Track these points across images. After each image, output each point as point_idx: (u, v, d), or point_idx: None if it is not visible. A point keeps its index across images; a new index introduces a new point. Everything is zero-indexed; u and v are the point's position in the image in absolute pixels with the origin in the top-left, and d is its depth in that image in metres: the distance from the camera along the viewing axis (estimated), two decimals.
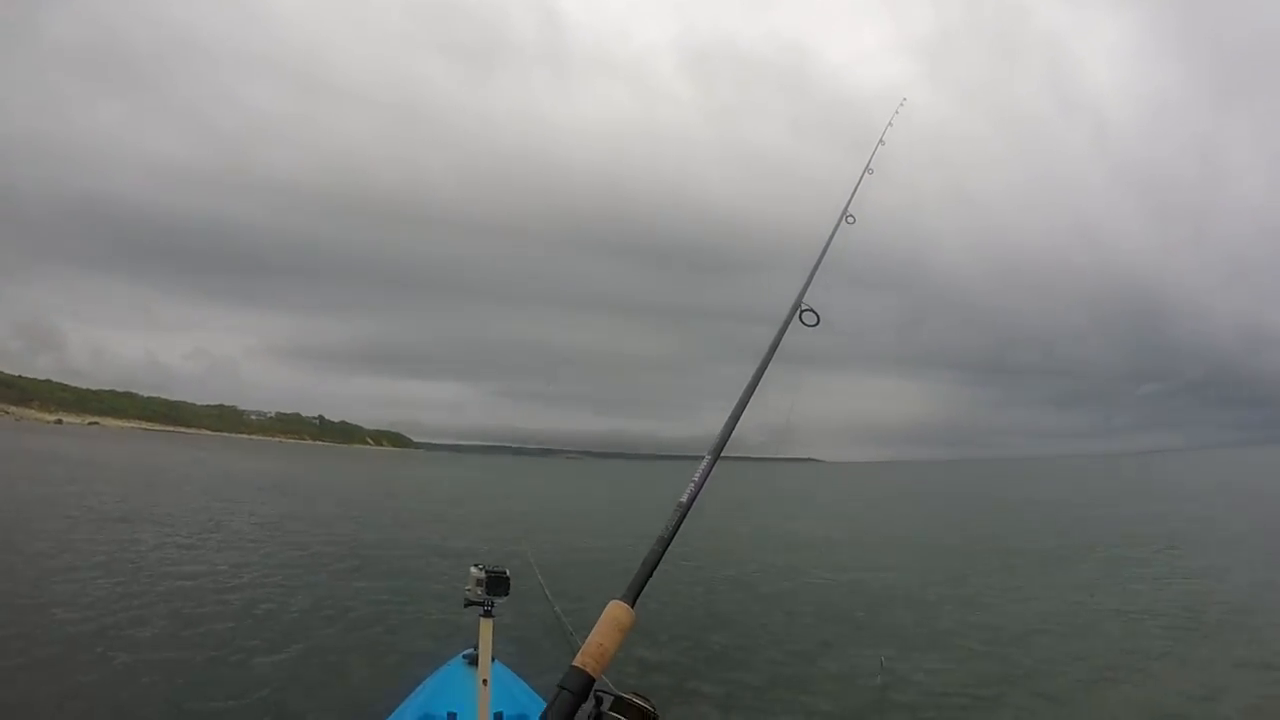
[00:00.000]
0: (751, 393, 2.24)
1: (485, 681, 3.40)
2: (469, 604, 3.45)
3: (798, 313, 2.51)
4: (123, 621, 9.51)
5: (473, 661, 4.30)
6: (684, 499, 1.84)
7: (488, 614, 3.44)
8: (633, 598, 1.64)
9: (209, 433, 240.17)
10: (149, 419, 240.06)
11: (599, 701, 1.51)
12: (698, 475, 1.91)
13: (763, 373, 2.34)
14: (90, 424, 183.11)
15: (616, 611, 1.60)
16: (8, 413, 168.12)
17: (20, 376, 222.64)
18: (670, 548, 1.81)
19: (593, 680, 1.49)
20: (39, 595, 10.64)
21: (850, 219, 3.10)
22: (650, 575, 1.70)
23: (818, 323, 2.48)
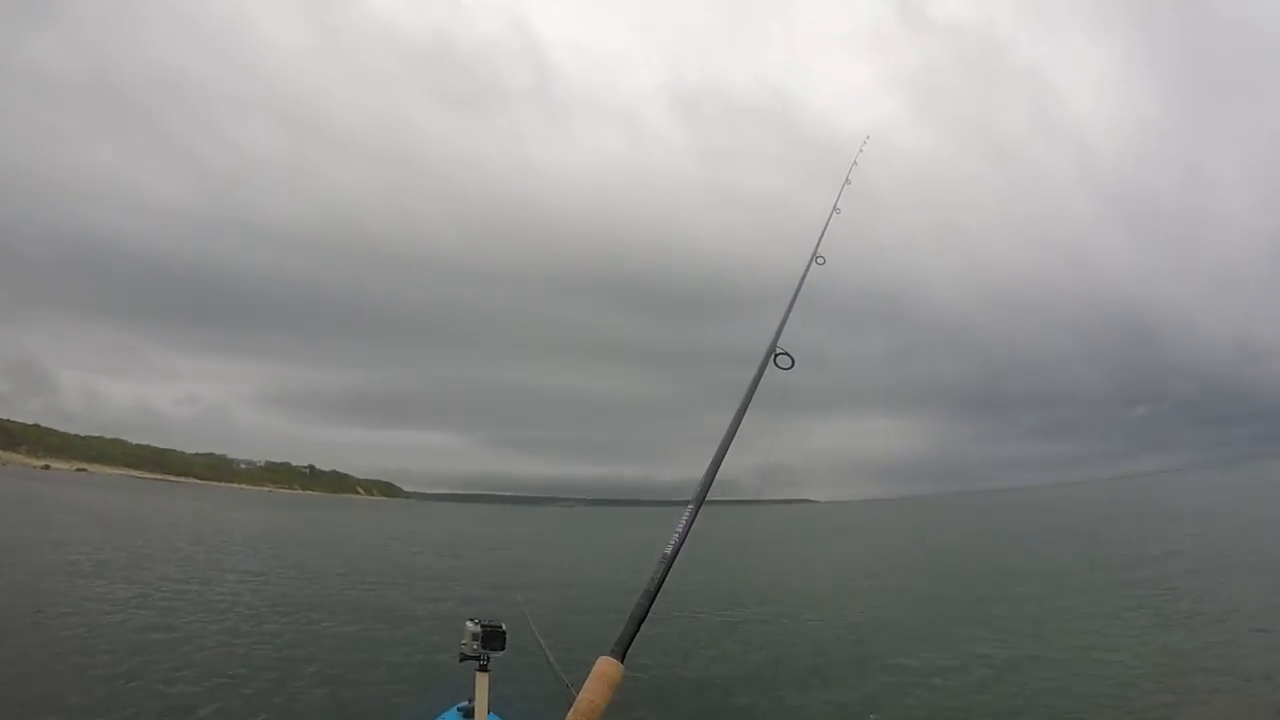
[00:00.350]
0: (731, 438, 2.40)
1: None
2: (464, 658, 3.48)
3: (773, 356, 2.59)
4: (74, 679, 9.38)
5: (468, 715, 4.34)
6: (668, 550, 1.89)
7: (483, 668, 3.51)
8: (621, 652, 1.68)
9: (198, 481, 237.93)
10: (137, 466, 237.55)
11: None
12: (681, 525, 1.95)
13: (741, 417, 2.51)
14: (78, 470, 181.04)
15: (606, 668, 1.64)
16: None
17: (9, 420, 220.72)
18: (657, 601, 1.86)
19: None
20: None
21: (820, 260, 3.21)
22: (638, 629, 1.74)
23: (793, 365, 2.60)
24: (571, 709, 1.56)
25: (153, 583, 16.66)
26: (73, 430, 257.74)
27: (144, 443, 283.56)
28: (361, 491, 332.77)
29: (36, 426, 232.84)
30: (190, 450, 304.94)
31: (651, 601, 1.80)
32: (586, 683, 1.63)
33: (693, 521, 1.99)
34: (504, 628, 3.51)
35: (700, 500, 2.07)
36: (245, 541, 31.85)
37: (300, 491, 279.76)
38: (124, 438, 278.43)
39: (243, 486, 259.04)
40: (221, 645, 11.16)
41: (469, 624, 3.51)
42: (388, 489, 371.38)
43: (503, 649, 3.49)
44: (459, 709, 4.75)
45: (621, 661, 1.67)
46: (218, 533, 34.43)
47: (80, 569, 18.32)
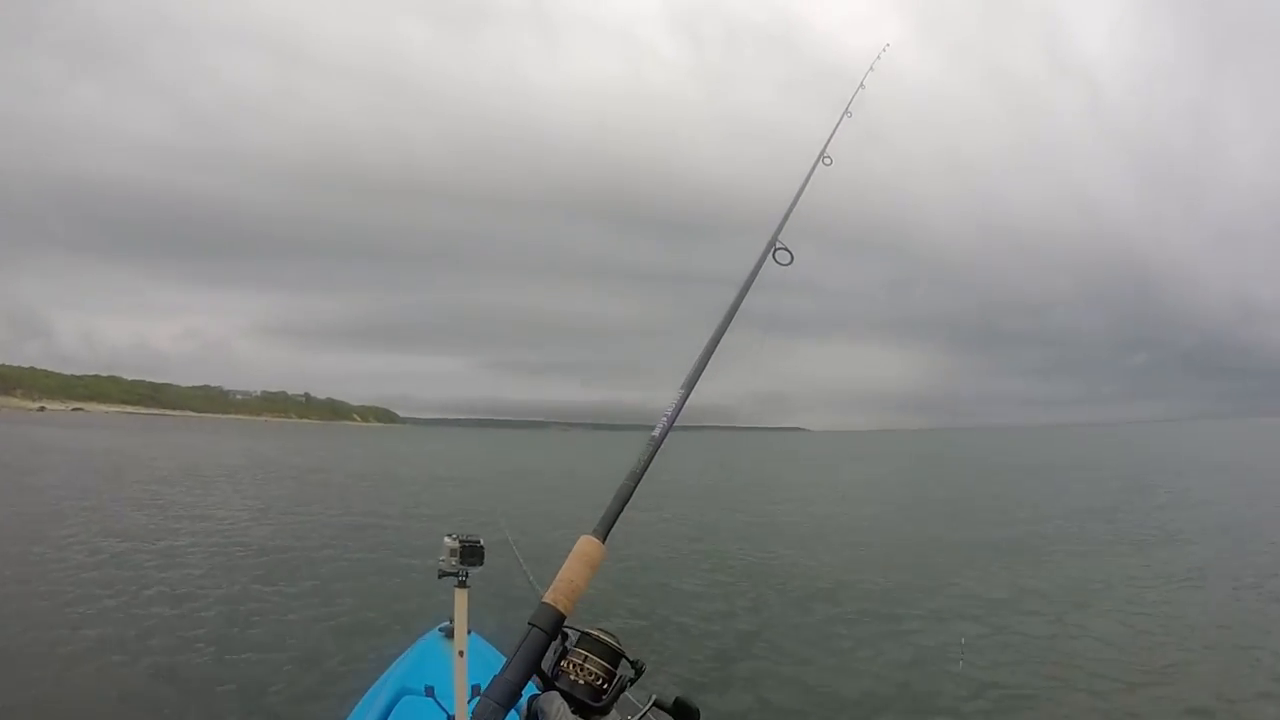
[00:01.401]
0: (727, 324, 2.17)
1: (461, 653, 3.32)
2: (443, 575, 3.30)
3: (772, 250, 2.41)
4: (63, 615, 9.30)
5: (449, 634, 4.25)
6: (655, 433, 1.77)
7: (462, 584, 3.24)
8: (604, 532, 1.56)
9: (194, 414, 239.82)
10: (134, 402, 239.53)
11: (564, 637, 1.47)
12: (670, 409, 1.84)
13: (737, 307, 2.26)
14: (75, 410, 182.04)
15: (586, 546, 1.52)
16: None
17: (4, 365, 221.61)
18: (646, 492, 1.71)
19: (563, 617, 1.44)
20: None
21: (827, 160, 3.00)
22: (621, 510, 1.62)
23: (791, 261, 2.39)
24: (550, 587, 1.46)
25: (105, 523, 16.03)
26: (70, 371, 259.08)
27: (141, 379, 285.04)
28: (358, 419, 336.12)
29: (32, 369, 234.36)
30: (186, 384, 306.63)
31: (636, 483, 1.68)
32: (566, 561, 1.50)
33: (681, 406, 1.89)
34: (481, 542, 3.33)
35: (690, 385, 1.94)
36: (216, 474, 30.98)
37: (296, 420, 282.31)
38: (121, 375, 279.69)
39: (238, 417, 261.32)
40: (186, 586, 10.89)
41: (446, 539, 3.33)
42: (384, 415, 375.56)
43: (481, 563, 3.30)
44: (440, 629, 4.71)
45: (603, 542, 1.55)
46: (183, 468, 33.14)
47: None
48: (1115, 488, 28.79)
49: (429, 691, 3.67)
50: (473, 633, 3.63)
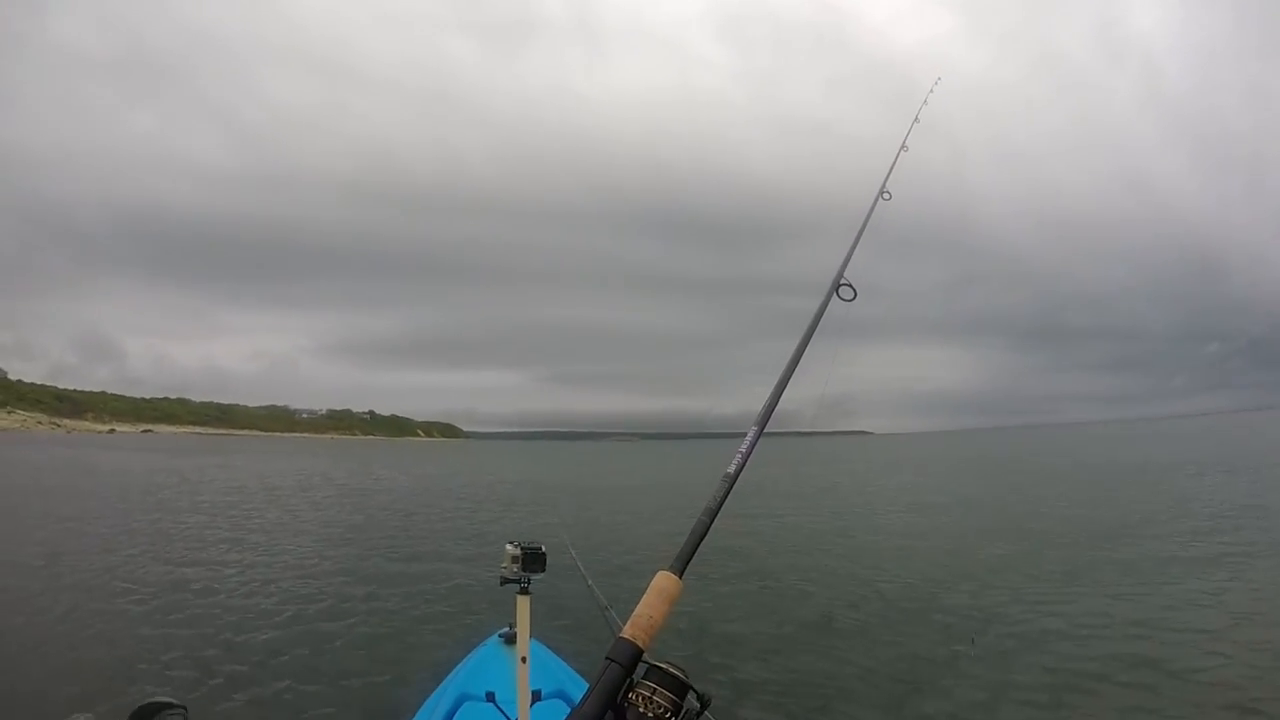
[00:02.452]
0: (794, 367, 2.24)
1: (524, 659, 3.38)
2: (505, 581, 3.42)
3: (836, 288, 2.55)
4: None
5: (510, 640, 4.31)
6: (730, 470, 1.82)
7: (524, 591, 3.38)
8: (681, 568, 1.62)
9: (261, 433, 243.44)
10: (202, 423, 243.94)
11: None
12: (744, 447, 1.90)
13: (804, 348, 2.35)
14: (144, 431, 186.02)
15: (664, 582, 1.58)
16: (59, 426, 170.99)
17: (75, 390, 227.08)
18: (719, 521, 1.83)
19: (640, 652, 1.47)
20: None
21: (887, 195, 3.10)
22: (698, 545, 1.68)
23: (854, 297, 2.50)
24: (628, 623, 1.51)
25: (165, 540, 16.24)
26: (141, 394, 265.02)
27: (209, 400, 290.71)
28: (422, 433, 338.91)
29: (102, 393, 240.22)
30: (253, 404, 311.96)
31: (713, 519, 1.74)
32: (644, 596, 1.56)
33: (755, 442, 1.94)
34: (543, 549, 3.41)
35: (763, 422, 2.01)
36: (293, 488, 31.82)
37: (361, 436, 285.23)
38: (189, 397, 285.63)
39: (305, 435, 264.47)
40: (252, 595, 11.25)
41: (509, 546, 3.42)
42: (448, 430, 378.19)
43: (543, 571, 3.39)
44: (501, 635, 4.76)
45: (680, 577, 1.61)
46: (255, 485, 33.36)
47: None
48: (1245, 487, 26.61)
49: (490, 697, 3.76)
50: (534, 639, 3.61)
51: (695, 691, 1.45)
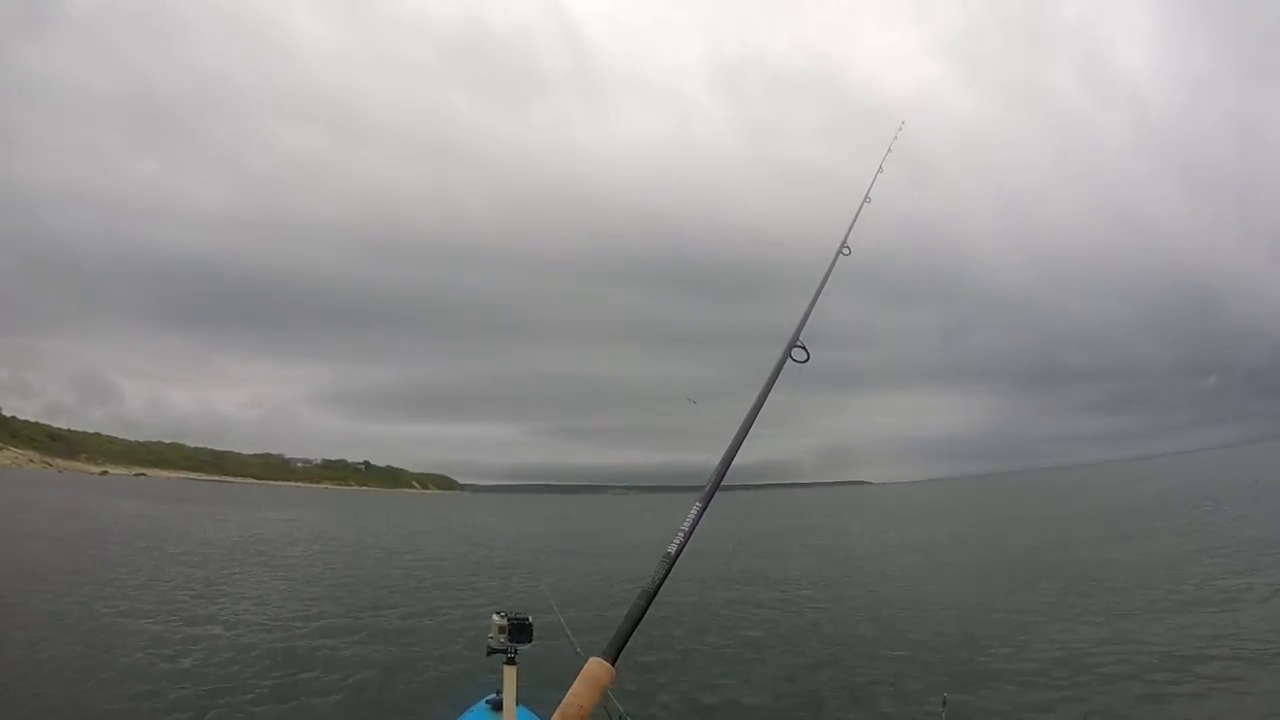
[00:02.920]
0: (745, 434, 2.20)
1: None
2: (491, 652, 3.42)
3: (789, 351, 2.49)
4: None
5: (496, 707, 4.27)
6: (671, 550, 1.78)
7: (511, 661, 3.38)
8: (614, 654, 1.59)
9: (255, 481, 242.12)
10: (196, 469, 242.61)
11: None
12: (686, 524, 1.84)
13: (756, 413, 2.32)
14: (137, 475, 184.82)
15: (595, 669, 1.56)
16: (51, 465, 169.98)
17: (70, 430, 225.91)
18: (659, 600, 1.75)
19: None
20: None
21: (846, 250, 3.06)
22: (633, 631, 1.65)
23: (807, 359, 2.46)
24: (558, 711, 1.51)
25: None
26: (136, 437, 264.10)
27: (203, 446, 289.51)
28: (417, 485, 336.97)
29: (98, 435, 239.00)
30: (248, 451, 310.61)
31: (649, 603, 1.72)
32: (574, 684, 1.56)
33: (699, 520, 1.88)
34: (530, 620, 3.46)
35: (709, 497, 1.94)
36: (277, 541, 31.91)
37: (356, 488, 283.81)
38: (184, 442, 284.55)
39: (299, 485, 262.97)
40: (227, 652, 11.23)
41: (495, 617, 3.48)
42: (443, 482, 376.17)
43: (529, 641, 3.45)
44: (487, 702, 4.75)
45: (613, 664, 1.59)
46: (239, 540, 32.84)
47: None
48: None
49: None
50: (521, 705, 3.57)
51: None
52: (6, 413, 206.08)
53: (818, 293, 3.06)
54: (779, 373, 2.41)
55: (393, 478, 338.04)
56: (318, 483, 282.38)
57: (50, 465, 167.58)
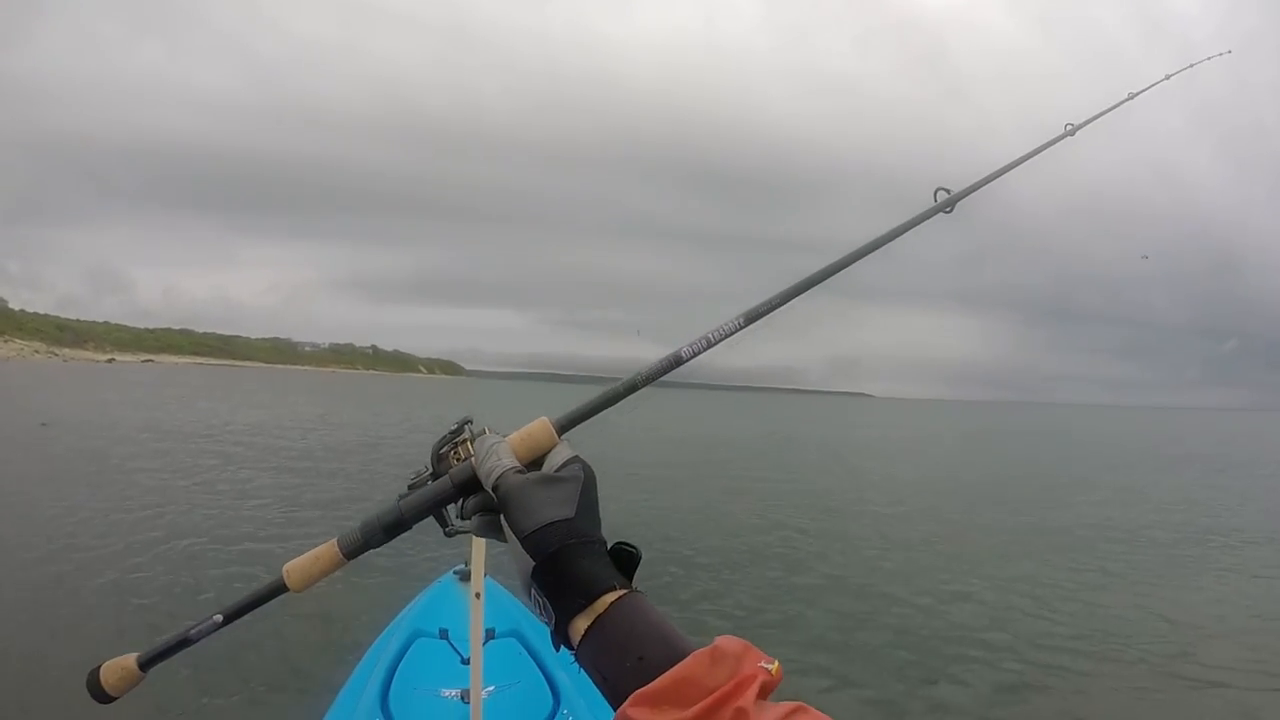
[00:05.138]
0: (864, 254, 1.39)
1: (478, 595, 3.13)
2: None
3: (935, 193, 1.50)
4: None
5: (464, 577, 4.32)
6: (684, 352, 1.27)
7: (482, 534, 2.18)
8: (561, 426, 1.19)
9: (263, 365, 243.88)
10: (204, 354, 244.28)
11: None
12: (715, 332, 1.29)
13: (883, 243, 1.42)
14: (145, 361, 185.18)
15: (538, 428, 1.18)
16: (56, 355, 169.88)
17: (77, 320, 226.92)
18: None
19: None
20: None
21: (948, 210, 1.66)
22: (590, 416, 1.23)
23: (952, 211, 1.54)
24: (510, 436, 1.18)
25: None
26: (148, 325, 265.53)
27: (212, 331, 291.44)
28: (424, 370, 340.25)
29: (106, 324, 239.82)
30: (257, 336, 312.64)
31: (618, 399, 1.25)
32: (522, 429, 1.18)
33: (734, 333, 1.28)
34: None
35: (752, 319, 1.30)
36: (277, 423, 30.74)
37: (363, 371, 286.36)
38: (194, 329, 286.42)
39: (306, 368, 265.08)
40: (210, 525, 11.29)
41: None
42: (449, 368, 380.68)
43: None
44: (455, 572, 4.72)
45: (559, 435, 1.16)
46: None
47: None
48: None
49: (443, 634, 3.68)
50: (488, 577, 3.50)
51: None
52: (16, 306, 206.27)
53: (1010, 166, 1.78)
54: (921, 220, 1.49)
55: (400, 362, 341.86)
56: (325, 366, 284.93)
57: (56, 355, 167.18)
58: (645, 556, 0.93)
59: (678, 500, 15.68)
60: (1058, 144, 2.14)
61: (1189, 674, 7.39)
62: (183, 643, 1.18)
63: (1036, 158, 2.02)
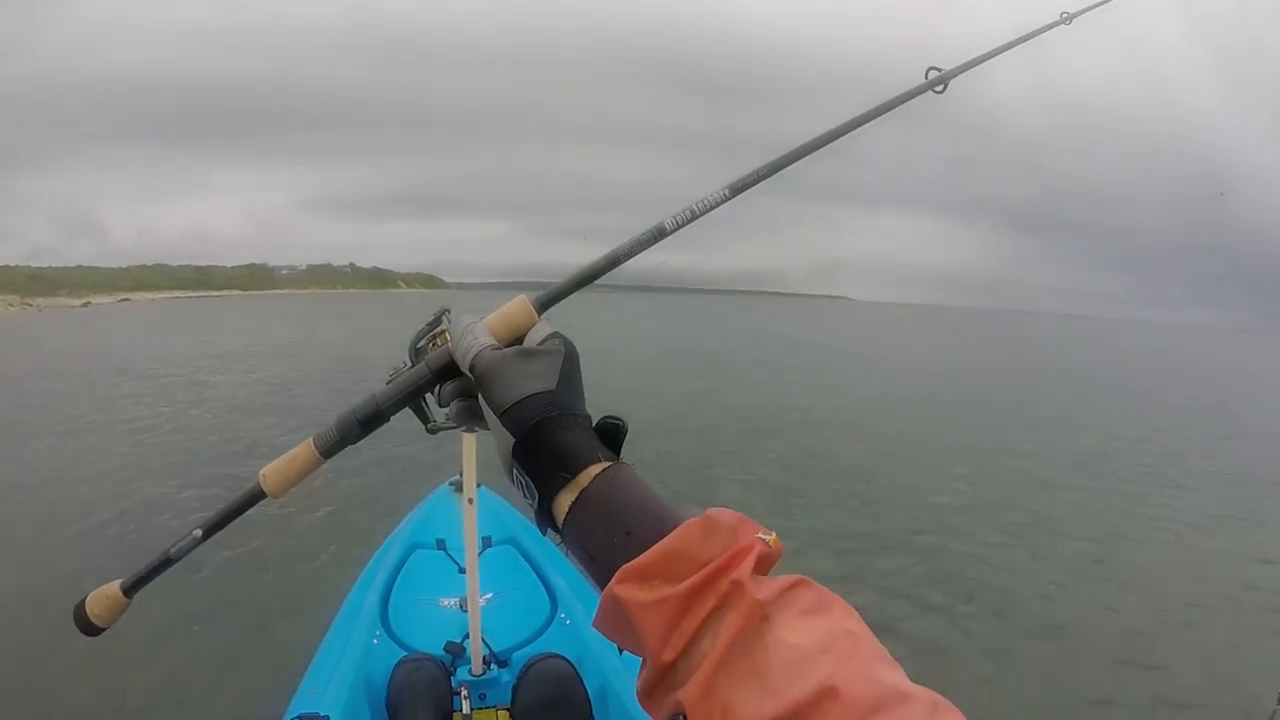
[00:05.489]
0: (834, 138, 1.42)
1: (470, 501, 3.04)
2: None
3: (926, 72, 1.66)
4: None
5: (459, 488, 4.12)
6: (667, 223, 1.26)
7: (470, 430, 2.71)
8: (541, 304, 1.17)
9: (240, 293, 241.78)
10: (180, 288, 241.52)
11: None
12: (699, 204, 1.29)
13: (867, 119, 1.49)
14: (121, 300, 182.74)
15: (516, 306, 1.15)
16: (30, 305, 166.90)
17: (47, 267, 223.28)
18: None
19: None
20: None
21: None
22: (570, 293, 1.23)
23: (945, 90, 1.70)
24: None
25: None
26: (123, 264, 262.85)
27: (188, 264, 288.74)
28: (404, 285, 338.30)
29: (79, 267, 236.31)
30: (234, 264, 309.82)
31: (600, 273, 1.23)
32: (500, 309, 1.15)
33: (716, 207, 1.29)
34: None
35: (740, 190, 1.31)
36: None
37: (342, 291, 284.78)
38: (170, 263, 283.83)
39: (285, 292, 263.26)
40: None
41: None
42: (430, 281, 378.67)
43: None
44: (451, 483, 4.76)
45: (539, 314, 1.14)
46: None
47: None
48: None
49: (440, 544, 3.83)
50: (482, 485, 3.54)
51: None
52: None
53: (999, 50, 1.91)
54: (911, 96, 1.60)
55: (380, 279, 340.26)
56: (304, 289, 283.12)
57: (30, 306, 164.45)
58: (631, 432, 0.88)
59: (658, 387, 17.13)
60: (1053, 30, 2.20)
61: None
62: (165, 562, 1.15)
63: (1032, 43, 2.07)
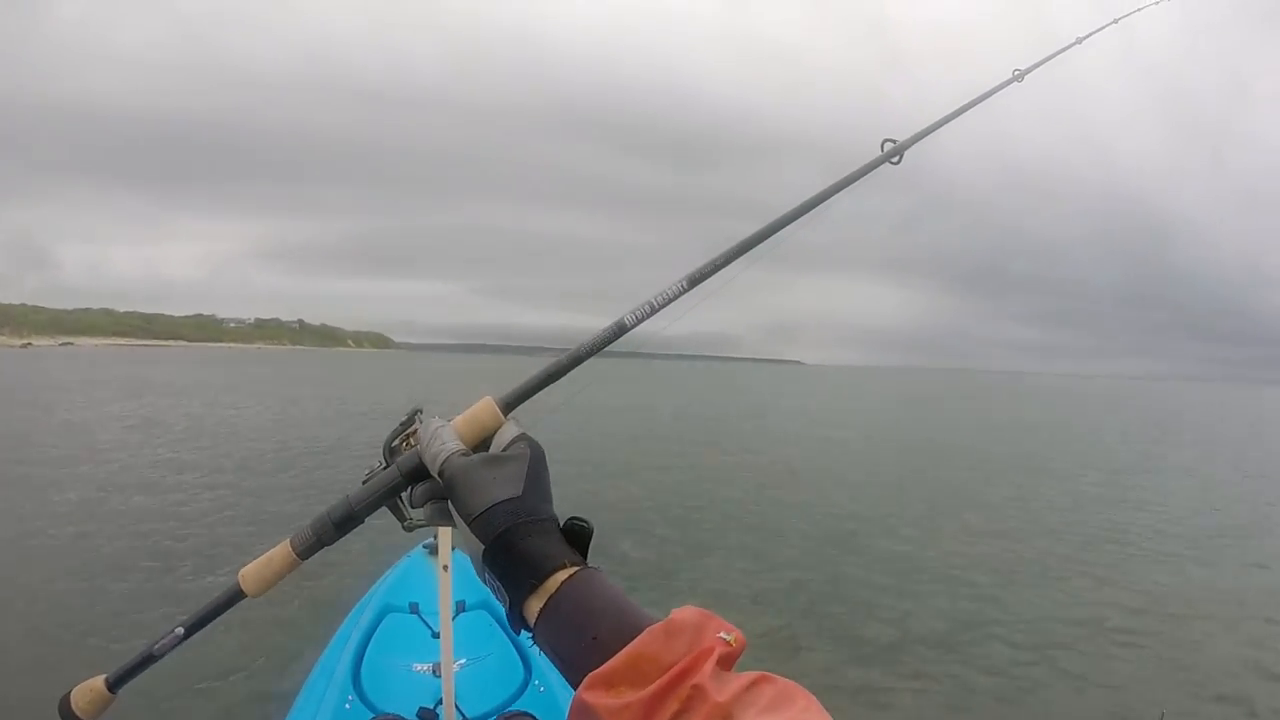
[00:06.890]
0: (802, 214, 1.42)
1: (445, 567, 3.20)
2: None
3: (882, 144, 1.57)
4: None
5: (433, 551, 4.37)
6: (627, 320, 1.27)
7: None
8: (506, 405, 1.19)
9: (186, 344, 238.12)
10: (125, 334, 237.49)
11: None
12: (657, 299, 1.31)
13: (831, 194, 1.46)
14: (63, 344, 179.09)
15: (482, 408, 1.18)
16: None
17: None
18: None
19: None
20: None
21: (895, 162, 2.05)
22: (534, 393, 1.25)
23: (900, 161, 1.61)
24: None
25: None
26: (72, 304, 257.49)
27: (136, 310, 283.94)
28: (352, 344, 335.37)
29: (22, 305, 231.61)
30: (182, 313, 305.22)
31: (554, 378, 1.25)
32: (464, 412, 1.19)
33: (673, 300, 1.31)
34: None
35: (698, 280, 1.32)
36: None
37: (290, 347, 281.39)
38: (118, 307, 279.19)
39: (232, 345, 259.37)
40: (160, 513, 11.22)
41: None
42: (379, 340, 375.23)
43: None
44: (425, 546, 4.82)
45: (505, 415, 1.17)
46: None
47: None
48: None
49: (414, 608, 3.76)
50: (456, 549, 3.39)
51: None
52: None
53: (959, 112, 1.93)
54: (869, 170, 1.58)
55: (328, 336, 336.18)
56: (251, 343, 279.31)
57: None
58: (599, 531, 0.91)
59: (629, 474, 16.02)
60: (1006, 89, 2.20)
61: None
62: (147, 659, 1.16)
63: (985, 104, 2.08)
